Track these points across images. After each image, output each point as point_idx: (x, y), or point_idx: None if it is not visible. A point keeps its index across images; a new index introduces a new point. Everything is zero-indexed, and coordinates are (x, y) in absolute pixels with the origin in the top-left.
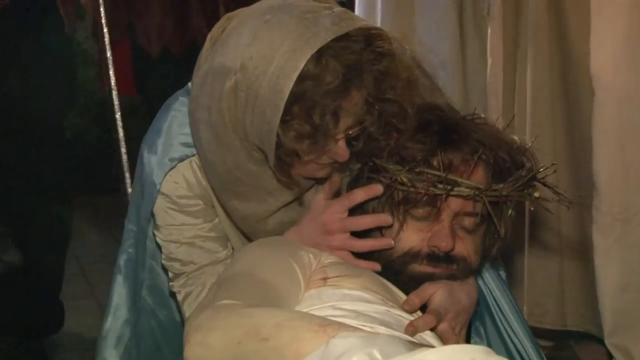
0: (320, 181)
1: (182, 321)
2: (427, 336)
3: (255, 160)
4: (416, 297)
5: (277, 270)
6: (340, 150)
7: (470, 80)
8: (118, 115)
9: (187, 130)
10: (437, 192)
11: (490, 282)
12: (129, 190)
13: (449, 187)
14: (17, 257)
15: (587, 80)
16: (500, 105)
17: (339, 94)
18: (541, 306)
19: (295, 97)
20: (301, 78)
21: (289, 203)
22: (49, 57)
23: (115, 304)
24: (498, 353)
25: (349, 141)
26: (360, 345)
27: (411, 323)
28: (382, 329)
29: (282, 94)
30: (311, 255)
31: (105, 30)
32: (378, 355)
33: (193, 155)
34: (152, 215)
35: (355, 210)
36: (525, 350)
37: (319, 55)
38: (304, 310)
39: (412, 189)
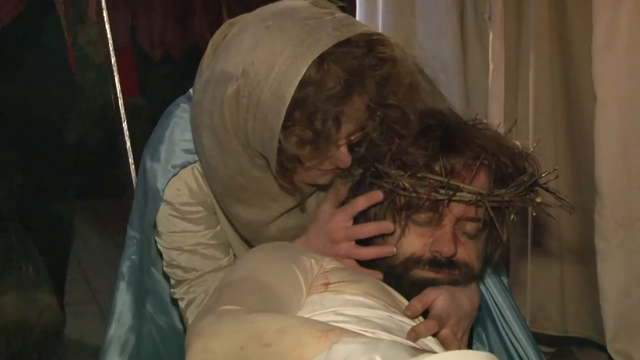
0: (322, 187)
1: (184, 328)
2: (429, 342)
3: (258, 166)
4: (418, 303)
5: (279, 275)
6: (342, 156)
7: (472, 85)
8: (125, 125)
9: (189, 136)
10: (439, 197)
11: (492, 287)
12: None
13: (451, 193)
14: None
15: (588, 84)
16: (502, 109)
17: (340, 99)
18: (543, 312)
19: (297, 103)
20: (303, 84)
21: (292, 209)
22: (48, 60)
23: (118, 310)
24: (500, 359)
25: (351, 147)
26: (362, 350)
27: (413, 329)
28: (384, 335)
29: (284, 100)
30: (313, 261)
31: (109, 35)
32: None
33: (195, 162)
34: (154, 222)
35: (358, 217)
36: (527, 357)
37: (320, 60)
38: (306, 316)
39: (414, 194)
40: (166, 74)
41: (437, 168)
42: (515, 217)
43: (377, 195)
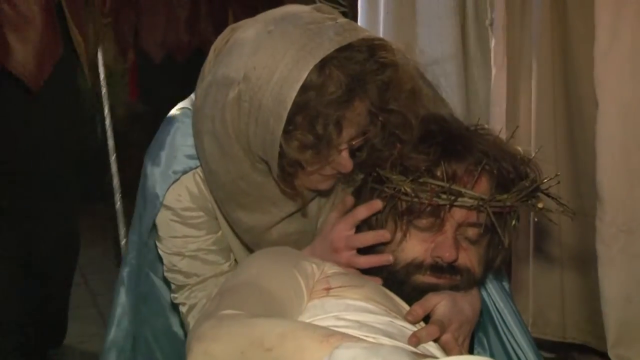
0: (323, 192)
1: (185, 333)
2: (431, 347)
3: (259, 171)
4: (419, 308)
5: (280, 280)
6: (344, 160)
7: (473, 91)
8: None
9: (191, 141)
10: (441, 202)
11: (494, 293)
12: (118, 202)
13: (452, 198)
14: None
15: (590, 90)
16: (503, 115)
17: (342, 104)
18: (544, 317)
19: (299, 107)
20: (304, 88)
21: (293, 214)
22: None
23: (118, 315)
24: None
25: (353, 152)
26: (363, 355)
27: (414, 334)
28: (385, 340)
29: (285, 104)
30: (314, 266)
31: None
32: None
33: (196, 167)
34: (155, 226)
35: (360, 223)
36: None
37: (322, 65)
38: (307, 321)
39: (415, 200)
40: (168, 78)
41: (438, 173)
42: (517, 223)
43: (377, 205)
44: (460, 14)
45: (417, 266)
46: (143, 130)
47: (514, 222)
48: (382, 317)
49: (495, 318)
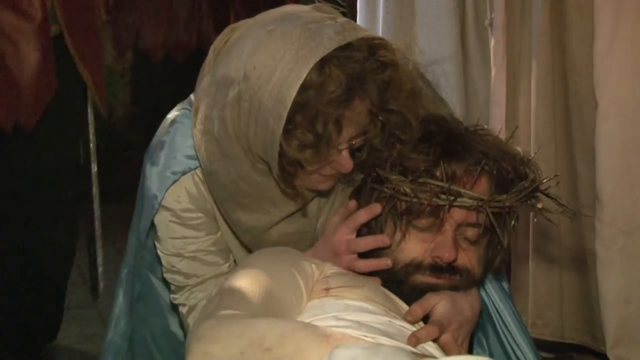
0: (323, 193)
1: (184, 334)
2: (430, 347)
3: (259, 171)
4: (419, 308)
5: (280, 280)
6: (344, 160)
7: (472, 91)
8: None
9: (190, 142)
10: (440, 202)
11: (493, 293)
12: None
13: (452, 198)
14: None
15: (589, 90)
16: (503, 115)
17: (342, 103)
18: (543, 318)
19: (298, 106)
20: (304, 87)
21: (293, 214)
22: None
23: (116, 316)
24: None
25: (352, 152)
26: (363, 355)
27: (414, 334)
28: (384, 340)
29: (285, 103)
30: (314, 266)
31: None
32: None
33: (196, 168)
34: (153, 227)
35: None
36: None
37: (322, 64)
38: (307, 321)
39: (415, 200)
40: (168, 78)
41: (438, 173)
42: (516, 223)
43: (376, 209)
44: (460, 14)
45: (416, 266)
46: (142, 130)
47: (513, 223)
48: (381, 317)
49: (494, 318)
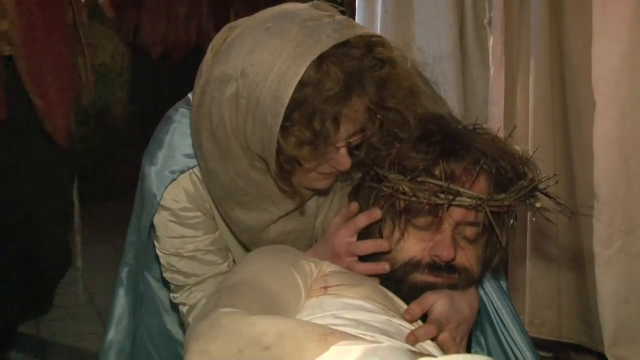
0: (322, 192)
1: (185, 333)
2: (428, 346)
3: (258, 169)
4: (417, 307)
5: (278, 279)
6: (342, 158)
7: (471, 90)
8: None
9: (189, 142)
10: (439, 202)
11: (492, 292)
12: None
13: (451, 197)
14: None
15: (588, 90)
16: (502, 114)
17: (339, 100)
18: (541, 317)
19: (296, 104)
20: (302, 84)
21: (291, 212)
22: None
23: (118, 316)
24: None
25: (351, 150)
26: (362, 354)
27: (412, 333)
28: (383, 339)
29: (283, 101)
30: (312, 265)
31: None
32: None
33: (194, 167)
34: (153, 227)
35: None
36: None
37: (319, 61)
38: (306, 319)
39: (414, 199)
40: (167, 77)
41: (437, 173)
42: (515, 223)
43: (377, 214)
44: (459, 13)
45: (415, 265)
46: (141, 129)
47: (512, 222)
48: (380, 316)
49: (493, 317)
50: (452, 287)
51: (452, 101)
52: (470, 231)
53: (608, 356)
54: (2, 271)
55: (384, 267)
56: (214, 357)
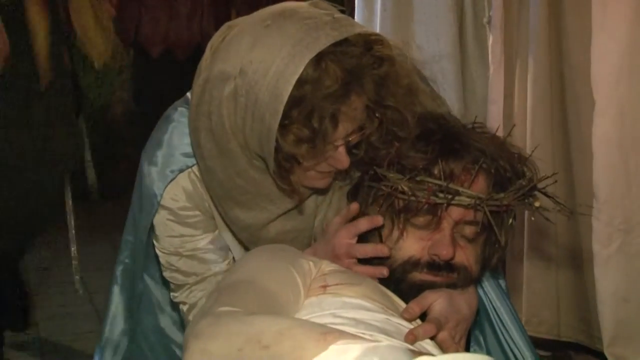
0: (321, 191)
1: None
2: (427, 345)
3: (256, 168)
4: (416, 306)
5: (277, 277)
6: (340, 156)
7: (471, 89)
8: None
9: (187, 141)
10: (438, 201)
11: (490, 291)
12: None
13: (449, 196)
14: None
15: (587, 89)
16: (501, 113)
17: (338, 98)
18: (538, 316)
19: (295, 101)
20: (300, 82)
21: (289, 211)
22: None
23: (112, 314)
24: None
25: (350, 149)
26: (360, 353)
27: (411, 331)
28: (382, 337)
29: (281, 98)
30: (311, 263)
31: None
32: None
33: (193, 166)
34: (152, 226)
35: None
36: None
37: (318, 59)
38: (304, 318)
39: (412, 198)
40: (167, 76)
41: (436, 172)
42: (514, 222)
43: (378, 220)
44: (458, 11)
45: (414, 264)
46: (139, 128)
47: (511, 221)
48: (379, 315)
49: (491, 316)
50: (451, 286)
51: (451, 100)
52: (469, 230)
53: (607, 355)
54: None
55: (381, 272)
56: (213, 355)
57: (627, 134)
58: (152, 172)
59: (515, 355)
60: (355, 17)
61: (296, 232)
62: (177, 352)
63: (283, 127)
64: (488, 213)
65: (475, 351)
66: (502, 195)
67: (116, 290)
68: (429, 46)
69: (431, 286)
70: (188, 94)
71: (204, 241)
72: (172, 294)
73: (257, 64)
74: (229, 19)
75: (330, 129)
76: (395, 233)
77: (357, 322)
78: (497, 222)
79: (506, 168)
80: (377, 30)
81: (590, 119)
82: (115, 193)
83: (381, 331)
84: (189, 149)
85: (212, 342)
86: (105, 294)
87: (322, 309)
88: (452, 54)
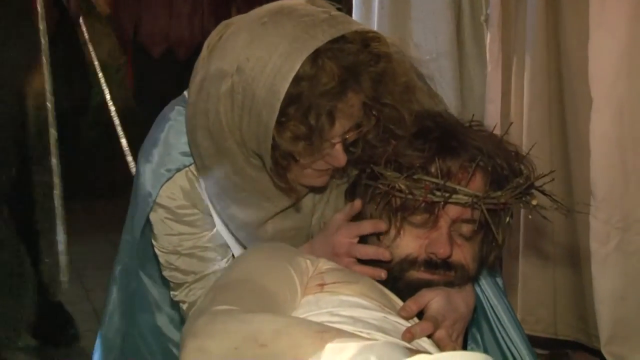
0: (318, 189)
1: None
2: (424, 343)
3: (253, 166)
4: (413, 304)
5: (274, 276)
6: (337, 154)
7: (468, 87)
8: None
9: (184, 139)
10: (435, 199)
11: (488, 289)
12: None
13: (447, 195)
14: None
15: (584, 87)
16: (498, 111)
17: (335, 95)
18: (534, 314)
19: (291, 98)
20: (297, 79)
21: (286, 209)
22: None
23: (109, 312)
24: None
25: (347, 147)
26: (357, 351)
27: (408, 329)
28: (379, 335)
29: (278, 95)
30: (308, 262)
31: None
32: None
33: (190, 165)
34: (148, 225)
35: (356, 218)
36: (521, 358)
37: (315, 56)
38: (301, 316)
39: (410, 196)
40: (167, 75)
41: (433, 170)
42: (511, 220)
43: (382, 226)
44: (456, 9)
45: (411, 262)
46: (137, 127)
47: (508, 219)
48: (376, 313)
49: (488, 314)
50: (448, 284)
51: (449, 98)
52: (466, 228)
53: (604, 353)
54: None
55: (380, 274)
56: (210, 354)
57: (625, 132)
58: (147, 171)
59: (512, 353)
60: (353, 14)
61: (294, 230)
62: (174, 351)
63: (280, 124)
64: (485, 211)
65: (472, 349)
66: (499, 193)
67: (114, 289)
68: (426, 44)
69: (428, 284)
70: (185, 93)
71: (202, 239)
72: (171, 292)
73: (254, 61)
74: (229, 17)
75: (327, 126)
76: (393, 231)
77: (355, 320)
78: (495, 221)
79: (503, 166)
80: (375, 27)
81: (588, 116)
82: (114, 190)
83: (378, 329)
84: (186, 148)
85: (209, 340)
86: (103, 292)
87: (319, 307)
88: (449, 52)
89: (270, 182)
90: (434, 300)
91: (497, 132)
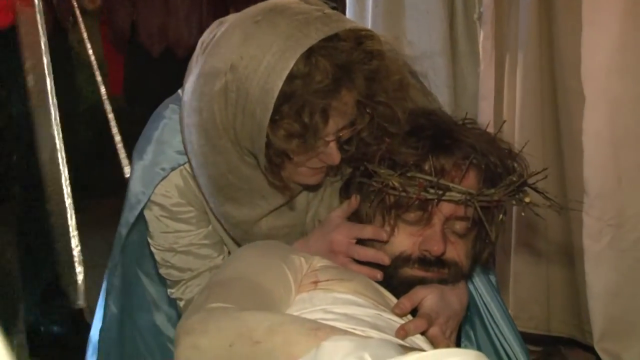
0: (312, 187)
1: None
2: (418, 340)
3: (247, 164)
4: (407, 301)
5: (268, 273)
6: (331, 152)
7: (462, 85)
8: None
9: (179, 138)
10: (429, 197)
11: (481, 286)
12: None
13: (440, 192)
14: None
15: (577, 85)
16: (492, 109)
17: (328, 93)
18: (527, 311)
19: (285, 97)
20: (291, 77)
21: (281, 207)
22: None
23: (104, 310)
24: (488, 357)
25: (341, 145)
26: (351, 348)
27: (402, 327)
28: (373, 333)
29: (272, 93)
30: (302, 259)
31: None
32: (369, 359)
33: (185, 163)
34: (142, 222)
35: (351, 217)
36: (514, 355)
37: (309, 54)
38: (295, 314)
39: (403, 194)
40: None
41: (426, 167)
42: (504, 217)
43: (383, 235)
44: (449, 8)
45: (405, 259)
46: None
47: (501, 217)
48: (370, 310)
49: (482, 311)
50: (442, 281)
51: (443, 96)
52: (459, 226)
53: (597, 350)
54: None
55: (375, 275)
56: (204, 351)
57: (618, 130)
58: (139, 168)
59: (505, 350)
60: (347, 12)
61: (288, 228)
62: (172, 348)
63: (274, 122)
64: (479, 209)
65: (465, 346)
66: (492, 190)
67: (108, 287)
68: (420, 42)
69: (422, 282)
70: (179, 91)
71: (198, 236)
72: (168, 290)
73: (248, 59)
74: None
75: (321, 124)
76: (386, 229)
77: (348, 317)
78: (488, 218)
79: (497, 164)
80: (369, 25)
81: (581, 114)
82: (110, 190)
83: (372, 327)
84: (180, 147)
85: (203, 337)
86: (100, 291)
87: (313, 304)
88: (443, 50)
89: (264, 180)
90: (428, 297)
91: (490, 129)
